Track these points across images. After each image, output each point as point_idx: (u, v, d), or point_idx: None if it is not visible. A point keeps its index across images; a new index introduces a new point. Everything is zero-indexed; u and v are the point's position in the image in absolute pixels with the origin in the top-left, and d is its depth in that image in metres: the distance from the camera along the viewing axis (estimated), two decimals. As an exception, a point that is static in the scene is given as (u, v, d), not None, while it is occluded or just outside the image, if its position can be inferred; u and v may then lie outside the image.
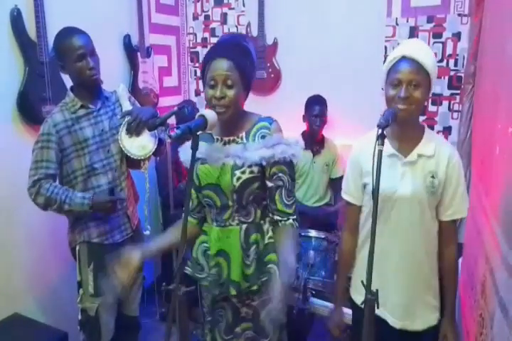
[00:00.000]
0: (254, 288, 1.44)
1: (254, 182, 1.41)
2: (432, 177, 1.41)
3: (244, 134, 1.43)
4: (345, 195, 1.59)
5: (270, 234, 1.47)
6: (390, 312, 1.47)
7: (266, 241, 1.47)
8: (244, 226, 1.45)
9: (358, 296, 1.55)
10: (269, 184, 1.42)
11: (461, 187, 1.45)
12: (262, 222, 1.48)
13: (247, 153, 1.38)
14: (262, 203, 1.47)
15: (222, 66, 1.34)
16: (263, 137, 1.40)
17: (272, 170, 1.41)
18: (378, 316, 1.46)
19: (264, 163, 1.38)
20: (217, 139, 1.46)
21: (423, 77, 1.36)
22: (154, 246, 1.48)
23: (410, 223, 1.44)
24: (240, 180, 1.39)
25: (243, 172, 1.39)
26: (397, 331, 1.48)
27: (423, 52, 1.38)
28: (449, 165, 1.42)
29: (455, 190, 1.44)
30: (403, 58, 1.37)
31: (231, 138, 1.44)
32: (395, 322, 1.48)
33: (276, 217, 1.44)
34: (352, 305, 1.61)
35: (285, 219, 1.43)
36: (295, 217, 1.45)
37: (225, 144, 1.44)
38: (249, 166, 1.39)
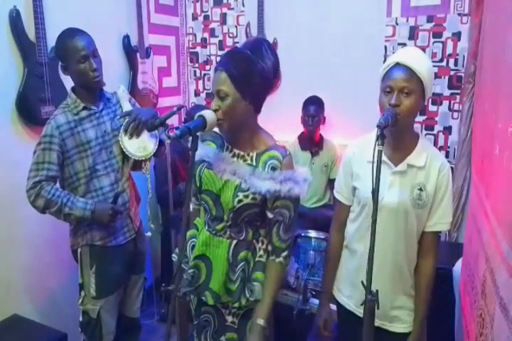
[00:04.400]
0: (236, 305, 1.43)
1: (253, 208, 1.39)
2: (420, 189, 1.41)
3: (254, 155, 1.40)
4: (336, 194, 1.61)
5: (261, 253, 1.45)
6: None
7: (256, 259, 1.46)
8: (234, 241, 1.43)
9: (339, 294, 1.59)
10: (270, 215, 1.41)
11: (446, 201, 1.44)
12: (254, 240, 1.46)
13: (254, 179, 1.35)
14: (255, 224, 1.45)
15: (217, 79, 1.33)
16: (273, 169, 1.36)
17: (275, 204, 1.39)
18: (356, 314, 1.50)
19: (268, 196, 1.36)
20: (227, 147, 1.44)
21: (415, 84, 1.34)
22: None
23: (394, 231, 1.44)
24: (241, 203, 1.37)
25: (246, 197, 1.37)
26: (376, 331, 1.48)
27: (417, 58, 1.37)
28: (438, 176, 1.41)
29: (439, 202, 1.43)
30: (397, 65, 1.36)
31: (241, 152, 1.41)
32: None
33: (270, 249, 1.45)
34: (336, 302, 1.63)
35: (276, 255, 1.43)
36: (287, 252, 1.44)
37: (233, 156, 1.42)
38: (253, 193, 1.36)
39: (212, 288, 1.43)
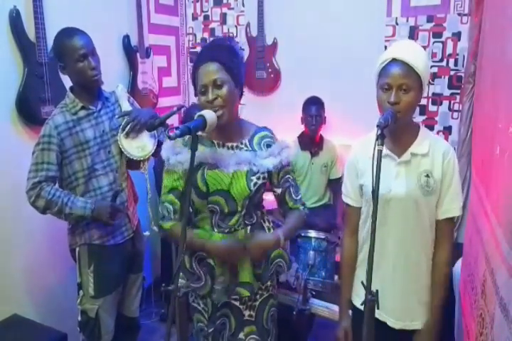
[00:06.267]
0: (268, 283, 1.53)
1: (261, 188, 1.48)
2: (427, 176, 1.40)
3: (247, 142, 1.47)
4: (344, 198, 1.58)
5: (272, 231, 1.54)
6: (389, 314, 1.46)
7: None
8: (248, 227, 1.49)
9: (357, 298, 1.54)
10: (278, 190, 1.52)
11: (454, 186, 1.42)
12: (261, 221, 1.55)
13: (259, 161, 1.43)
14: (260, 204, 1.57)
15: (209, 69, 1.35)
16: (269, 146, 1.47)
17: (280, 175, 1.50)
18: (377, 318, 1.44)
19: (273, 170, 1.46)
20: (218, 144, 1.47)
21: (414, 80, 1.33)
22: None
23: (406, 223, 1.42)
24: (256, 185, 1.44)
25: (258, 178, 1.45)
26: (397, 331, 1.47)
27: (414, 53, 1.35)
28: (444, 161, 1.40)
29: (447, 187, 1.41)
30: (393, 61, 1.34)
31: (234, 144, 1.46)
32: (394, 323, 1.47)
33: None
34: (352, 306, 1.59)
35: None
36: (303, 206, 1.57)
37: (229, 149, 1.45)
38: (263, 172, 1.45)
39: (244, 281, 1.47)
